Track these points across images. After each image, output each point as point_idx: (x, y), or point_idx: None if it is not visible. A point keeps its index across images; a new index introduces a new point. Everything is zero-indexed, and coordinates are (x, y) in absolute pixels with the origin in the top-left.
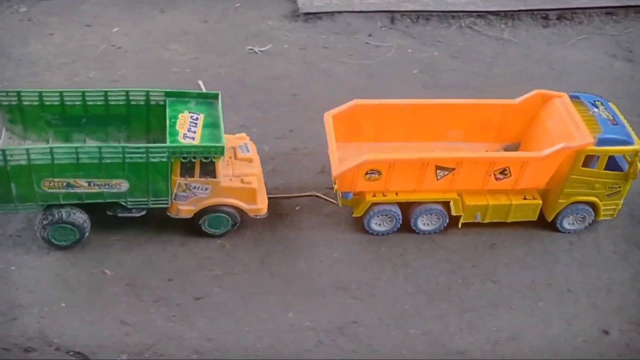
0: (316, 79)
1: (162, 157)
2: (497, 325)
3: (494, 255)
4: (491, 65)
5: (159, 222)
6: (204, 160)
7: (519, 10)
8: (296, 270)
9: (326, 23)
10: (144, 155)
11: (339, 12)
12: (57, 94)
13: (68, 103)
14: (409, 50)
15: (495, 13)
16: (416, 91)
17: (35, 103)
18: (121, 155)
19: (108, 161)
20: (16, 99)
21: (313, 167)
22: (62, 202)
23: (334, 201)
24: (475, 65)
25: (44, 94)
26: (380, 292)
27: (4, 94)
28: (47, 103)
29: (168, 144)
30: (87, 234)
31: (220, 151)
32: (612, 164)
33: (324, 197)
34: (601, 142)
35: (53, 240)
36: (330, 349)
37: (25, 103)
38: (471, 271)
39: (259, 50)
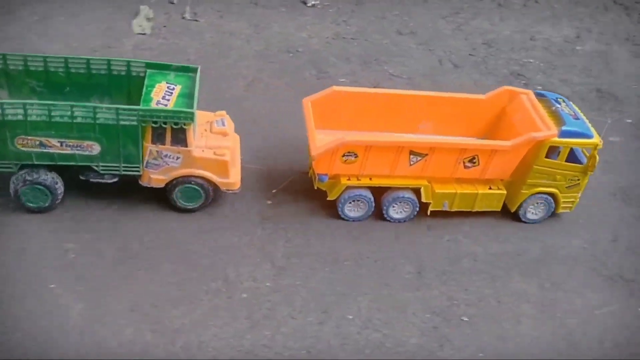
0: None
1: (132, 120)
2: None
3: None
4: None
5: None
6: (174, 126)
7: None
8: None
9: None
10: (115, 116)
11: None
12: (41, 59)
13: (51, 69)
14: None
15: None
16: None
17: (20, 67)
18: (92, 115)
19: (79, 120)
20: (2, 62)
21: None
22: (36, 162)
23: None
24: None
25: (28, 58)
26: None
27: None
28: (32, 68)
29: (139, 107)
30: (59, 199)
31: (190, 117)
32: (573, 156)
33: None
34: (564, 134)
35: (25, 201)
36: None
37: (10, 67)
38: None
39: None
